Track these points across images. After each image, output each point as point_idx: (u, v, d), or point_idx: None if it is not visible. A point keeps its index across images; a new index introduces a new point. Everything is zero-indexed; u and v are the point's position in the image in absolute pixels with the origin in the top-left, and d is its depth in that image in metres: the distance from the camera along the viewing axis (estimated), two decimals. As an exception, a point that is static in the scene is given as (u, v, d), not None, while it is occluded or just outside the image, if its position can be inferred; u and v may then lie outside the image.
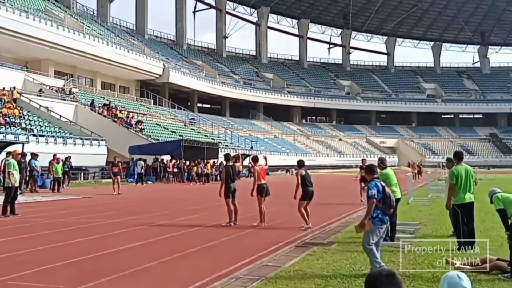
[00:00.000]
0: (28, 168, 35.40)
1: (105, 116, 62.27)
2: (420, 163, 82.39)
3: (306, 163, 19.05)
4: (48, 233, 16.37)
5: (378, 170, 14.96)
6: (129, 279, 10.35)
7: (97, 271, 10.94)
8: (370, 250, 10.16)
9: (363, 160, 30.11)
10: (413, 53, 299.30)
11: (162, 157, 54.43)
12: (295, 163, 18.81)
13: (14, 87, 54.18)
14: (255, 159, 19.75)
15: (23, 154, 34.99)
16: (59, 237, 15.49)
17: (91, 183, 43.47)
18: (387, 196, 10.32)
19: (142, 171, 49.21)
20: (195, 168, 52.65)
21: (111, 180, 37.08)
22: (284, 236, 15.55)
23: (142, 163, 49.80)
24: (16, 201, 21.65)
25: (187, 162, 53.98)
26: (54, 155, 38.34)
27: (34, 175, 36.10)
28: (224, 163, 19.81)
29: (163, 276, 10.63)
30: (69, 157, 40.69)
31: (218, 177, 55.13)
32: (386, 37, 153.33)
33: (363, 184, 22.31)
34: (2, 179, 29.16)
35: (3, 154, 33.08)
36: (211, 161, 56.57)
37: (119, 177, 35.44)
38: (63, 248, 13.72)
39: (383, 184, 10.56)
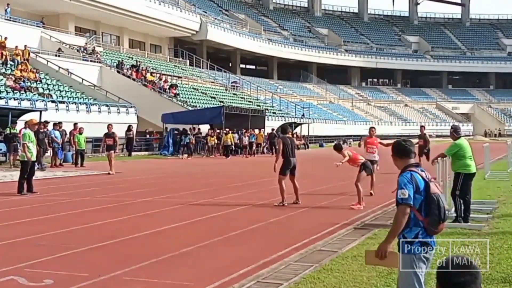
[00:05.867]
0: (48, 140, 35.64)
1: (134, 80, 62.59)
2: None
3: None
4: (71, 214, 16.60)
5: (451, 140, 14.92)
6: (163, 266, 10.44)
7: (127, 256, 11.07)
8: None
9: (422, 127, 32.85)
10: (492, 4, 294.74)
11: (200, 126, 54.55)
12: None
13: (25, 46, 54.22)
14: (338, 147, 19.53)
15: (45, 123, 35.41)
16: (84, 218, 15.69)
17: (119, 156, 43.86)
18: (433, 200, 6.36)
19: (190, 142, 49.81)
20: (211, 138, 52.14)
21: (122, 154, 35.11)
22: (341, 217, 15.59)
23: (191, 136, 50.13)
24: (33, 177, 21.86)
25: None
26: (75, 124, 38.49)
27: (54, 148, 36.42)
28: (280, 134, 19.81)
29: (202, 263, 10.73)
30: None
31: (265, 149, 55.51)
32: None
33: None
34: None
35: (21, 124, 33.50)
36: (256, 131, 56.54)
37: (112, 151, 31.77)
38: (88, 230, 13.90)
39: (428, 176, 6.55)
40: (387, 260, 6.31)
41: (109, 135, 32.32)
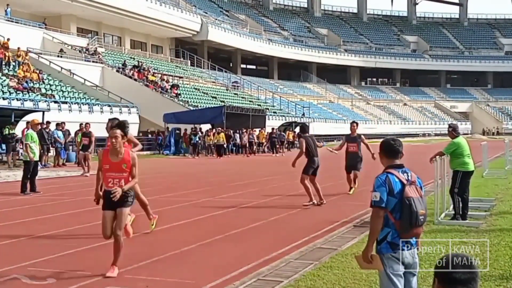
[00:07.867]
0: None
1: (135, 80, 62.66)
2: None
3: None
4: (73, 213, 16.63)
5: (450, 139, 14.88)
6: (164, 264, 10.44)
7: (129, 255, 10.98)
8: None
9: (353, 124, 21.19)
10: (489, 3, 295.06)
11: (201, 126, 54.43)
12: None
13: (18, 48, 53.25)
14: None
15: (46, 123, 35.39)
16: (86, 217, 15.61)
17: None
18: (406, 204, 6.17)
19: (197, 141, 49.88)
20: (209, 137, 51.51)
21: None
22: (340, 215, 15.57)
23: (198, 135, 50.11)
24: (36, 177, 21.86)
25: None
26: (81, 124, 38.24)
27: (57, 147, 36.42)
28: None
29: (203, 261, 10.72)
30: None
31: (266, 149, 55.56)
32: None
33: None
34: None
35: (23, 124, 33.48)
36: (256, 130, 56.62)
37: (88, 152, 30.01)
38: (90, 229, 13.82)
39: (407, 178, 6.35)
40: (374, 263, 6.24)
41: (86, 134, 30.39)
